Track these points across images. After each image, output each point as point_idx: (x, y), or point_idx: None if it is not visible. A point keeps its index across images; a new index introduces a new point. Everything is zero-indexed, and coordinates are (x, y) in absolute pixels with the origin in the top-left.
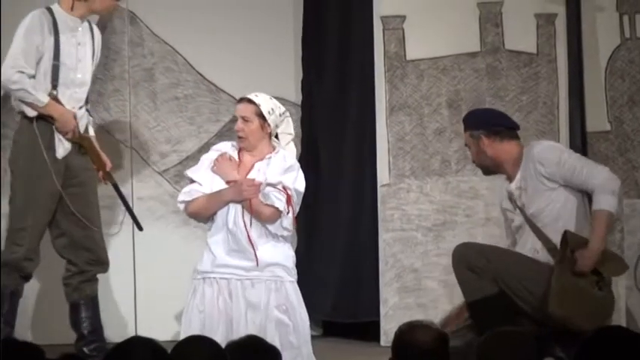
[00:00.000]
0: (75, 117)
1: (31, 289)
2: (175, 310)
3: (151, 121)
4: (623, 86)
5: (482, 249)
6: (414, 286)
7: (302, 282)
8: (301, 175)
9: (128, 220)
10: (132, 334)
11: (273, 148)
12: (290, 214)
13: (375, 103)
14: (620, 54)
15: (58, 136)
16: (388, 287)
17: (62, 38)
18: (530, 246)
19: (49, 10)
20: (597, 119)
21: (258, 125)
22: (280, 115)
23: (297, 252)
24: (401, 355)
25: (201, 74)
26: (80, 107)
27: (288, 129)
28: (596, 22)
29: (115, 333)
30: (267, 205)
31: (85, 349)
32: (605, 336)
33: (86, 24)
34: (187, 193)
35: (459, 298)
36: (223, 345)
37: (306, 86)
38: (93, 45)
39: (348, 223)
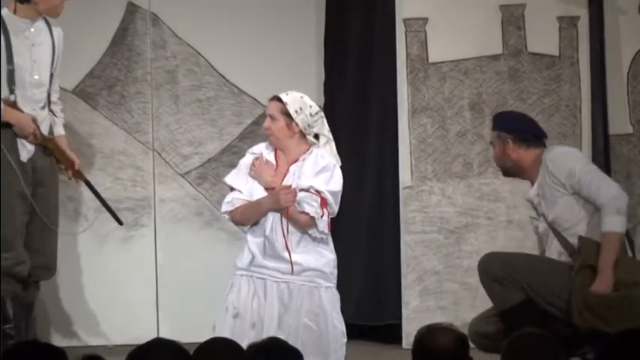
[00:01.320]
0: (35, 120)
1: (50, 292)
2: (197, 311)
3: (173, 124)
4: None
5: (505, 259)
6: (436, 288)
7: None
8: (337, 174)
9: (149, 222)
10: (154, 335)
11: (308, 149)
12: (325, 217)
13: (398, 106)
14: None
15: (20, 140)
16: (410, 290)
17: (14, 41)
18: (555, 250)
19: None
20: (619, 122)
21: (284, 124)
22: (312, 115)
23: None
24: (421, 358)
25: (223, 76)
26: (42, 108)
27: (323, 130)
28: (619, 25)
29: (137, 334)
30: (301, 212)
31: None
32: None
33: (41, 23)
34: (229, 203)
35: (480, 301)
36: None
37: (328, 89)
38: (52, 44)
39: (370, 225)
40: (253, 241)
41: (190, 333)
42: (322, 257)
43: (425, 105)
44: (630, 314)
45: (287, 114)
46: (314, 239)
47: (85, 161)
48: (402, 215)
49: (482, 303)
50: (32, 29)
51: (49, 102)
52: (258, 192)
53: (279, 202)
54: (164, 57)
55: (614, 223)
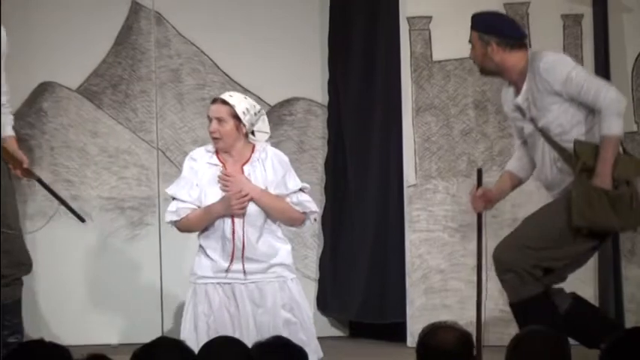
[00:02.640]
0: None
1: (54, 290)
2: None
3: (177, 122)
4: None
5: (516, 244)
6: (441, 287)
7: (329, 283)
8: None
9: (154, 221)
10: (158, 334)
11: (253, 148)
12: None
13: (402, 104)
14: None
15: None
16: (414, 288)
17: None
18: (548, 156)
19: None
20: (624, 120)
21: (233, 126)
22: (255, 115)
23: (323, 253)
24: (425, 357)
25: (227, 75)
26: None
27: (264, 127)
28: (623, 23)
29: (141, 333)
30: (302, 212)
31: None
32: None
33: None
34: (174, 213)
35: (488, 300)
36: None
37: (333, 87)
38: None
39: (374, 223)
40: (210, 247)
41: None
42: (284, 250)
43: (429, 103)
44: (631, 210)
45: (235, 116)
46: (273, 235)
47: (89, 160)
48: (406, 214)
49: (488, 301)
50: None
51: None
52: (211, 196)
53: (233, 208)
54: (168, 56)
55: (615, 126)
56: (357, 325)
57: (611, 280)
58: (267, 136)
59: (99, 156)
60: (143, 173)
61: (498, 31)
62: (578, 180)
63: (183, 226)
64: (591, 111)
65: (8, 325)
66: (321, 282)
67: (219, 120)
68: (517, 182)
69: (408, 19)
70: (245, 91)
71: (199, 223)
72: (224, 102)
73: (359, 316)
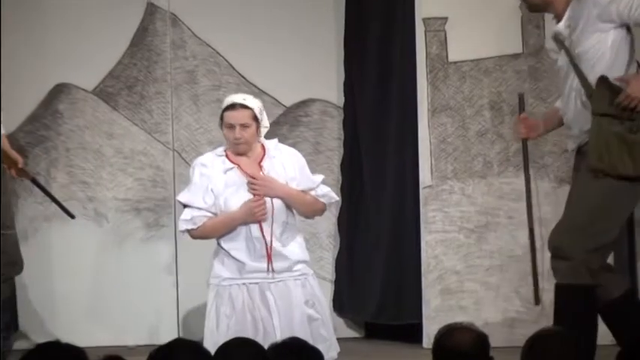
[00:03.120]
0: None
1: (70, 292)
2: None
3: (192, 124)
4: None
5: (560, 228)
6: (456, 288)
7: (346, 284)
8: None
9: (170, 222)
10: (175, 336)
11: (261, 145)
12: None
13: (417, 105)
14: None
15: None
16: (430, 289)
17: None
18: (574, 90)
19: None
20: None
21: (254, 129)
22: (263, 112)
23: (339, 254)
24: (441, 358)
25: (243, 76)
26: None
27: (266, 122)
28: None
29: (157, 335)
30: (319, 201)
31: None
32: None
33: None
34: (190, 221)
35: (502, 300)
36: None
37: (348, 88)
38: None
39: (390, 224)
40: (234, 248)
41: None
42: (301, 245)
43: (445, 104)
44: None
45: (255, 118)
46: (295, 232)
47: (105, 161)
48: (422, 215)
49: (504, 302)
50: None
51: None
52: (234, 200)
53: (254, 214)
54: (184, 57)
55: None
56: (373, 326)
57: (626, 278)
58: (266, 130)
59: (114, 157)
60: (159, 175)
61: None
62: (598, 124)
63: (199, 234)
64: (628, 49)
65: (2, 322)
66: (337, 283)
67: (244, 125)
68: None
69: (424, 20)
70: (261, 92)
71: (218, 232)
72: (244, 106)
73: (375, 317)
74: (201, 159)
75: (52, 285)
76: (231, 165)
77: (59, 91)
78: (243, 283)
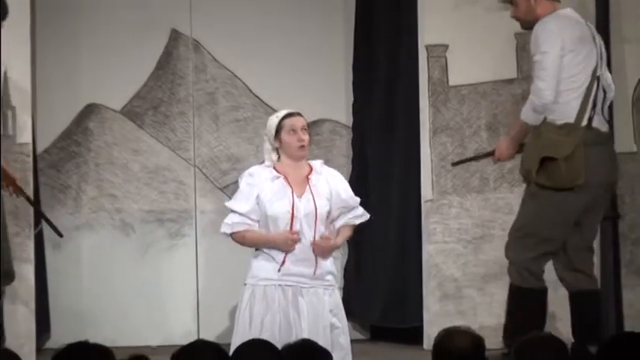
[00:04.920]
0: None
1: (99, 297)
2: (235, 314)
3: (213, 141)
4: None
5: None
6: (455, 294)
7: (353, 290)
8: None
9: (191, 232)
10: (195, 337)
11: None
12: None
13: (420, 126)
14: None
15: None
16: (431, 295)
17: None
18: None
19: None
20: (625, 141)
21: (309, 135)
22: None
23: (347, 263)
24: (440, 358)
25: (259, 98)
26: None
27: None
28: (624, 52)
29: (179, 336)
30: (354, 225)
31: None
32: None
33: None
34: (229, 226)
35: (496, 306)
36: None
37: (357, 109)
38: None
39: (394, 236)
40: (276, 251)
41: (229, 334)
42: (332, 260)
43: (445, 125)
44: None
45: (308, 127)
46: None
47: (131, 176)
48: (423, 226)
49: (498, 308)
50: None
51: None
52: (278, 206)
53: (289, 246)
54: (205, 80)
55: (525, 114)
56: (378, 329)
57: (611, 287)
58: None
59: (140, 172)
60: (181, 188)
61: None
62: (535, 133)
63: (239, 239)
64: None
65: None
66: (346, 289)
67: (304, 129)
68: None
69: (427, 47)
70: (275, 112)
71: (255, 245)
72: (300, 114)
73: (380, 321)
74: (249, 170)
75: (81, 289)
76: (278, 175)
77: (90, 110)
78: (279, 285)
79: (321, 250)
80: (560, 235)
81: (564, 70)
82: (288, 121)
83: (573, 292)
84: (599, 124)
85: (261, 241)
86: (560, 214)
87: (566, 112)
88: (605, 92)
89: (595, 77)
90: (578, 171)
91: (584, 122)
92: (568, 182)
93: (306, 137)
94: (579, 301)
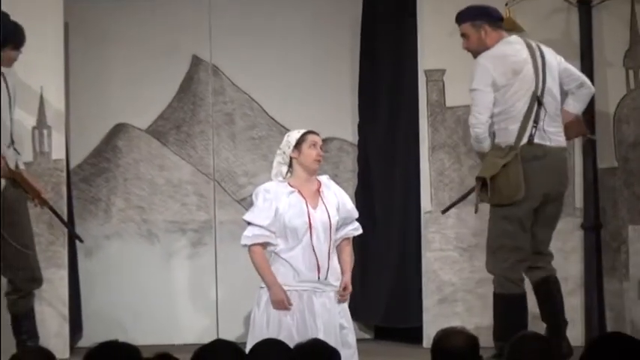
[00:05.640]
0: (3, 157)
1: (128, 299)
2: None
3: (230, 158)
4: (628, 130)
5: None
6: (452, 297)
7: (359, 293)
8: None
9: (211, 241)
10: (214, 336)
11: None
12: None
13: (420, 143)
14: (625, 102)
15: None
16: (430, 298)
17: None
18: None
19: None
20: (607, 157)
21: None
22: None
23: (353, 268)
24: (438, 356)
25: (273, 118)
26: (7, 147)
27: None
28: (607, 76)
29: (199, 335)
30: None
31: None
32: (608, 341)
33: None
34: (249, 238)
35: (489, 308)
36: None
37: (362, 129)
38: (7, 91)
39: (396, 244)
40: (293, 256)
41: (246, 334)
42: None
43: (442, 143)
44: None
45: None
46: (334, 251)
47: (156, 189)
48: (423, 236)
49: (491, 310)
50: None
51: (12, 141)
52: (293, 217)
53: (276, 305)
54: (223, 102)
55: (472, 141)
56: (381, 329)
57: (594, 292)
58: None
59: (165, 186)
60: (202, 201)
61: (485, 14)
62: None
63: (252, 256)
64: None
65: (26, 330)
66: (352, 292)
67: (322, 147)
68: None
69: (426, 71)
70: (287, 131)
71: (258, 267)
72: (315, 132)
73: (383, 321)
74: (264, 186)
75: (111, 293)
76: (293, 189)
77: (118, 130)
78: (296, 290)
79: (346, 297)
80: (523, 243)
81: (500, 103)
82: (310, 137)
83: (533, 286)
84: (541, 139)
85: (265, 272)
86: (512, 225)
87: (506, 136)
88: (546, 110)
89: (535, 99)
90: (517, 186)
91: (523, 141)
92: (507, 198)
93: (321, 152)
94: (537, 292)
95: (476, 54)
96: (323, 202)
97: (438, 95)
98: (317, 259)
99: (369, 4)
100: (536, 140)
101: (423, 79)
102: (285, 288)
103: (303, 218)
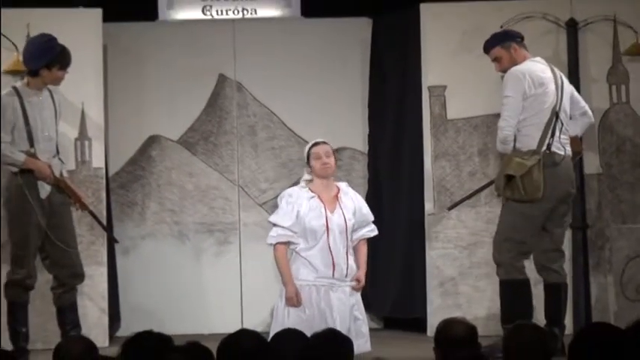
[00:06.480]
0: (50, 166)
1: (162, 293)
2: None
3: (253, 165)
4: (611, 139)
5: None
6: (453, 290)
7: (370, 288)
8: None
9: (236, 240)
10: (239, 326)
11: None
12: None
13: (423, 152)
14: (609, 114)
15: (40, 182)
16: (433, 291)
17: (27, 107)
18: None
19: (15, 89)
20: (592, 164)
21: (334, 158)
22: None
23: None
24: (441, 343)
25: (291, 130)
26: (53, 156)
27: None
28: (592, 90)
29: (225, 325)
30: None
31: None
32: (594, 330)
33: (46, 92)
34: (274, 237)
35: (487, 300)
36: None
37: (372, 139)
38: (54, 107)
39: (403, 243)
40: (312, 255)
41: (268, 325)
42: (355, 265)
43: (444, 151)
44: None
45: (333, 152)
46: (351, 251)
47: (186, 194)
48: (427, 235)
49: (489, 302)
50: (40, 97)
51: (58, 151)
52: (312, 219)
53: (289, 301)
54: (246, 115)
55: (497, 144)
56: (390, 320)
57: (582, 286)
58: None
59: (194, 191)
60: (227, 204)
61: (510, 36)
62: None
63: (275, 252)
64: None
65: (70, 321)
66: (364, 287)
67: (328, 154)
68: None
69: (429, 87)
70: (305, 142)
71: (278, 264)
72: (324, 142)
73: (391, 312)
74: (288, 191)
75: (146, 288)
76: (313, 194)
77: (152, 141)
78: (314, 285)
79: (359, 286)
80: (530, 239)
81: (527, 111)
82: (313, 150)
83: (545, 284)
84: (557, 148)
85: (284, 270)
86: (526, 222)
87: (529, 142)
88: (562, 123)
89: (554, 113)
90: (538, 187)
91: (544, 148)
92: (529, 196)
93: (329, 159)
94: (547, 292)
95: (506, 71)
96: (340, 207)
97: (440, 109)
98: (333, 258)
99: (377, 28)
100: (553, 149)
101: (427, 94)
102: (305, 283)
103: (321, 221)
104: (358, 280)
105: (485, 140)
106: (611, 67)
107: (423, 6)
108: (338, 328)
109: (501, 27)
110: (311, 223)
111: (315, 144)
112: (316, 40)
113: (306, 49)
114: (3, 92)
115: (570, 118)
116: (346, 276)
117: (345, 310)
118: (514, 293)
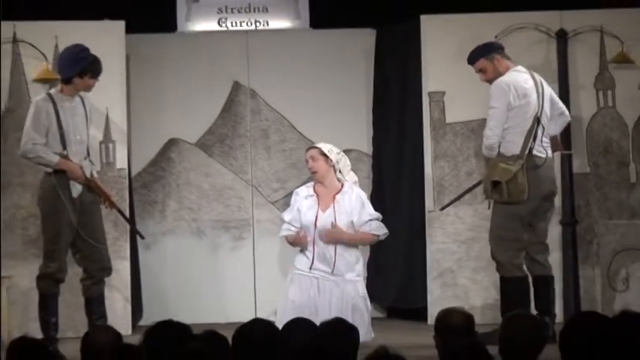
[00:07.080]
0: (81, 167)
1: (180, 285)
2: None
3: (265, 167)
4: (598, 141)
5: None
6: (452, 282)
7: (374, 280)
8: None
9: (249, 236)
10: (253, 316)
11: (342, 185)
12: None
13: (424, 153)
14: (596, 118)
15: (71, 182)
16: (433, 283)
17: (60, 112)
18: None
19: (49, 95)
20: (581, 164)
21: (322, 161)
22: (338, 154)
23: (370, 259)
24: (440, 331)
25: (301, 133)
26: (85, 158)
27: (347, 162)
28: (580, 96)
29: (240, 315)
30: (373, 235)
31: None
32: (583, 319)
33: (78, 98)
34: (282, 231)
35: (484, 291)
36: None
37: (376, 141)
38: (85, 112)
39: (406, 238)
40: (309, 250)
41: None
42: (357, 258)
43: (443, 153)
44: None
45: (323, 154)
46: (345, 247)
47: (203, 193)
48: (427, 231)
49: (485, 292)
50: (72, 103)
51: (88, 154)
52: (308, 215)
53: (301, 243)
54: (259, 120)
55: (483, 149)
56: (393, 309)
57: (571, 278)
58: (349, 168)
59: (210, 190)
60: (242, 203)
61: (493, 48)
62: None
63: (289, 239)
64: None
65: (97, 312)
66: (369, 279)
67: (313, 158)
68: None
69: (429, 93)
70: (313, 144)
71: (290, 243)
72: (313, 147)
73: (394, 303)
74: (296, 190)
75: (166, 280)
76: (312, 193)
77: (171, 143)
78: (307, 275)
79: (325, 234)
80: (521, 235)
81: (511, 120)
82: (305, 155)
83: (532, 277)
84: (538, 152)
85: (291, 242)
86: (514, 221)
87: (512, 147)
88: (543, 128)
89: (536, 119)
90: (522, 190)
91: (526, 152)
92: (515, 198)
93: (315, 163)
94: (535, 284)
95: (491, 81)
96: (333, 207)
97: (439, 113)
98: (314, 251)
99: (380, 38)
100: (535, 152)
101: (427, 99)
102: (301, 272)
103: (312, 219)
104: (334, 227)
105: (482, 142)
106: (599, 74)
107: (423, 17)
108: (332, 314)
109: (496, 37)
110: (305, 219)
111: (306, 150)
112: (324, 50)
113: (314, 58)
114: (38, 97)
115: (549, 119)
116: (332, 273)
117: (338, 301)
118: (514, 289)
